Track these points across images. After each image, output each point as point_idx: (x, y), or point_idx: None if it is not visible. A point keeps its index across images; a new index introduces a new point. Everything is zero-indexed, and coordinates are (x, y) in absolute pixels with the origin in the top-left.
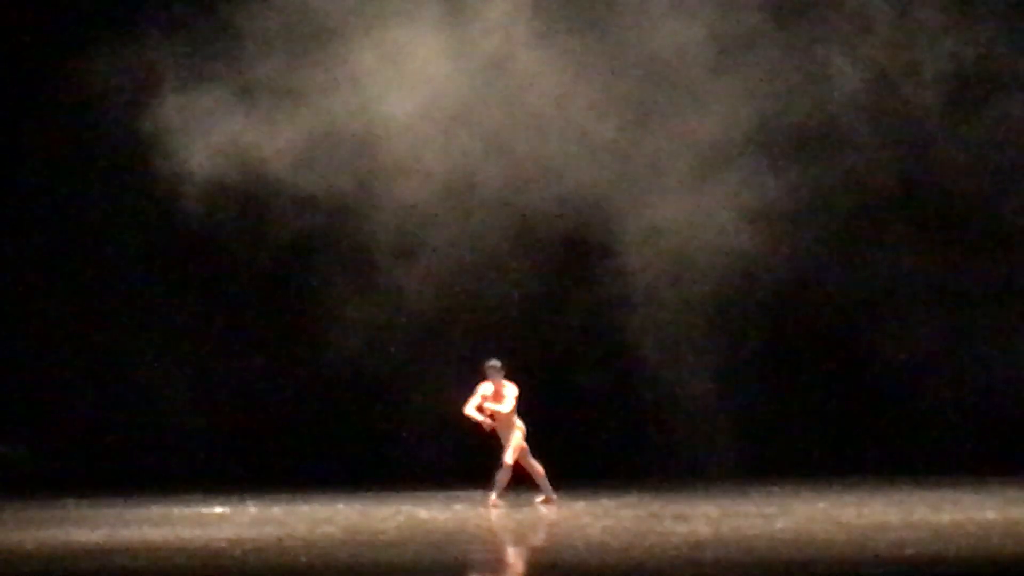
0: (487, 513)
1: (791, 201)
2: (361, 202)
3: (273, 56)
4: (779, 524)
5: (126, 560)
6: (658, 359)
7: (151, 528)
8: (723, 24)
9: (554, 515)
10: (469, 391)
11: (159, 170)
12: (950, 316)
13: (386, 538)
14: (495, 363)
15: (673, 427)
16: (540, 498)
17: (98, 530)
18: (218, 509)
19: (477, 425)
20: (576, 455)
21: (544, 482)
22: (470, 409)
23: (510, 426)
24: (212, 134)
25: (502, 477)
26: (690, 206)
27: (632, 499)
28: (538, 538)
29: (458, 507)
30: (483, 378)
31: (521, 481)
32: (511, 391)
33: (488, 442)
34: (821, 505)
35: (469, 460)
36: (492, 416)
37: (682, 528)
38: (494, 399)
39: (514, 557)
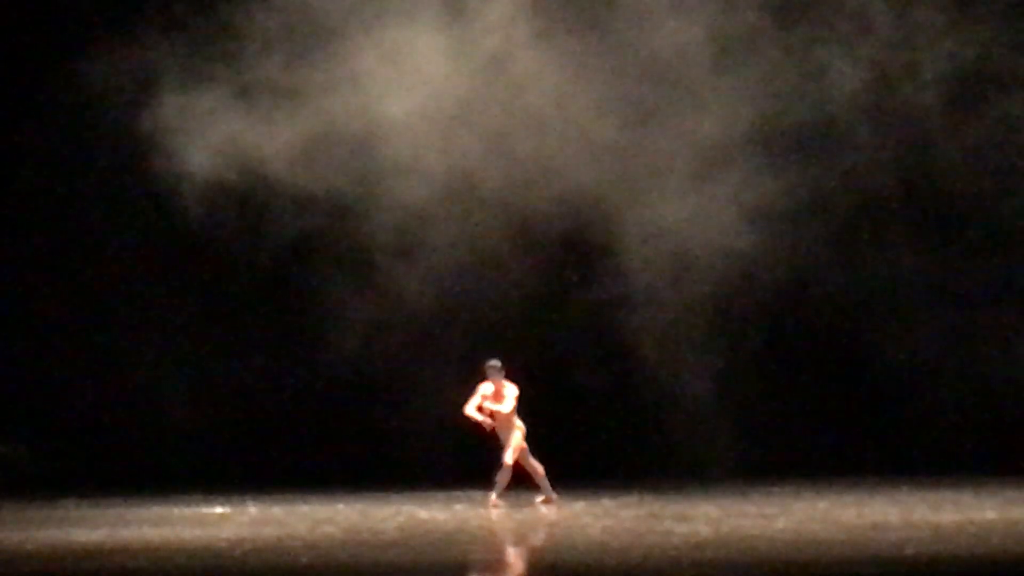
0: (487, 513)
1: (791, 201)
2: (361, 202)
3: (272, 56)
4: (779, 524)
5: (126, 560)
6: (658, 359)
7: (151, 528)
8: (723, 24)
9: (554, 515)
10: (469, 391)
11: (159, 170)
12: (950, 316)
13: (386, 538)
14: (495, 363)
15: (673, 427)
16: (540, 498)
17: (98, 530)
18: (218, 509)
19: (477, 425)
20: (576, 455)
21: (544, 482)
22: (470, 409)
23: (510, 426)
24: (212, 134)
25: (502, 477)
26: (690, 206)
27: (632, 499)
28: (538, 538)
29: (458, 507)
30: (483, 378)
31: (521, 481)
32: (511, 391)
33: (488, 442)
34: (821, 505)
35: (469, 460)
36: (492, 416)
37: (682, 528)
38: (494, 399)
39: (514, 557)
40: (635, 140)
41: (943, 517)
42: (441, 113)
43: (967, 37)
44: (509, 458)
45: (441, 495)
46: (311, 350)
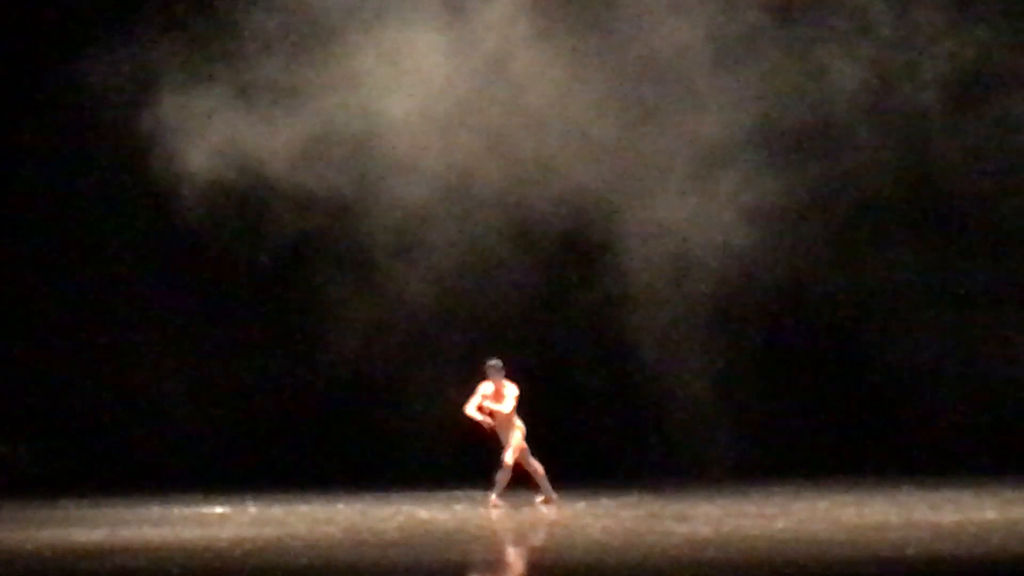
0: (487, 513)
1: (791, 201)
2: (361, 202)
3: (272, 56)
4: (779, 524)
5: (126, 560)
6: (658, 359)
7: (151, 528)
8: (723, 24)
9: (554, 515)
10: (469, 391)
11: (158, 170)
12: (950, 316)
13: (386, 538)
14: (495, 363)
15: (673, 427)
16: (540, 498)
17: (98, 530)
18: (218, 509)
19: (477, 425)
20: (576, 455)
21: (544, 482)
22: (471, 409)
23: (510, 426)
24: (211, 134)
25: (502, 477)
26: (690, 206)
27: (632, 499)
28: (538, 538)
29: (458, 507)
30: (483, 378)
31: (521, 481)
32: (511, 391)
33: (488, 442)
34: (821, 505)
35: (469, 460)
36: (491, 415)
37: (682, 528)
38: (494, 399)
39: (514, 557)
40: (635, 140)
41: (943, 517)
42: (441, 113)
43: (967, 37)
44: (509, 458)
45: (441, 495)
46: (311, 350)
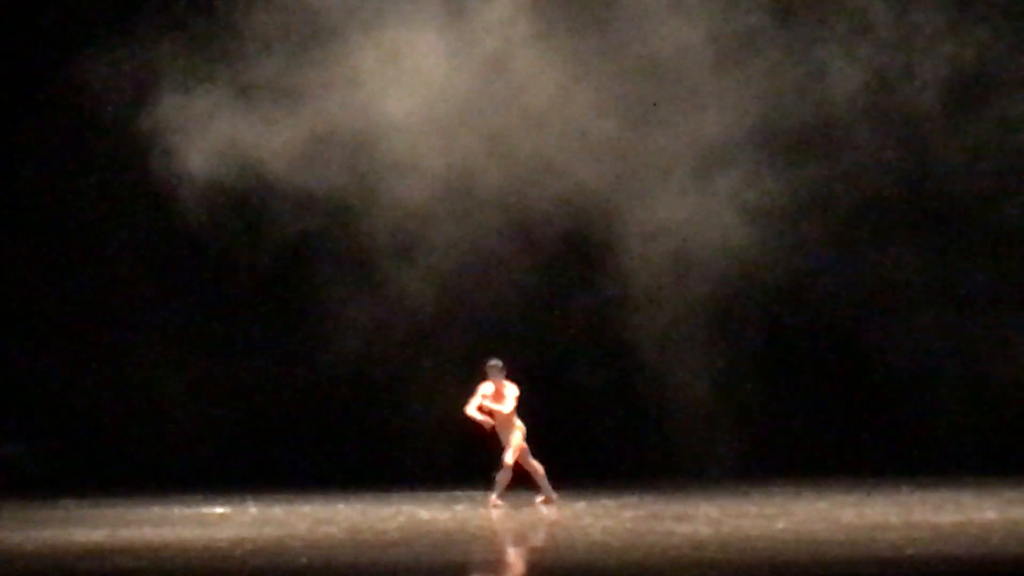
0: (488, 513)
1: (791, 200)
2: (361, 202)
3: (272, 56)
4: (779, 524)
5: (126, 560)
6: (658, 359)
7: (151, 528)
8: (723, 24)
9: (554, 515)
10: (469, 391)
11: (158, 170)
12: (950, 316)
13: (387, 538)
14: (496, 363)
15: (673, 427)
16: (540, 498)
17: (98, 530)
18: (218, 509)
19: (478, 425)
20: (576, 455)
21: (544, 482)
22: (471, 409)
23: (510, 426)
24: (211, 134)
25: (502, 477)
26: (690, 206)
27: (632, 499)
28: (539, 538)
29: (459, 507)
30: (483, 378)
31: (521, 481)
32: (511, 391)
33: (488, 442)
34: (821, 505)
35: (469, 460)
36: (491, 415)
37: (683, 528)
38: (495, 399)
39: (514, 557)
40: (635, 139)
41: (943, 517)
42: (441, 113)
43: (967, 37)
44: (509, 458)
45: (441, 495)
46: (311, 350)
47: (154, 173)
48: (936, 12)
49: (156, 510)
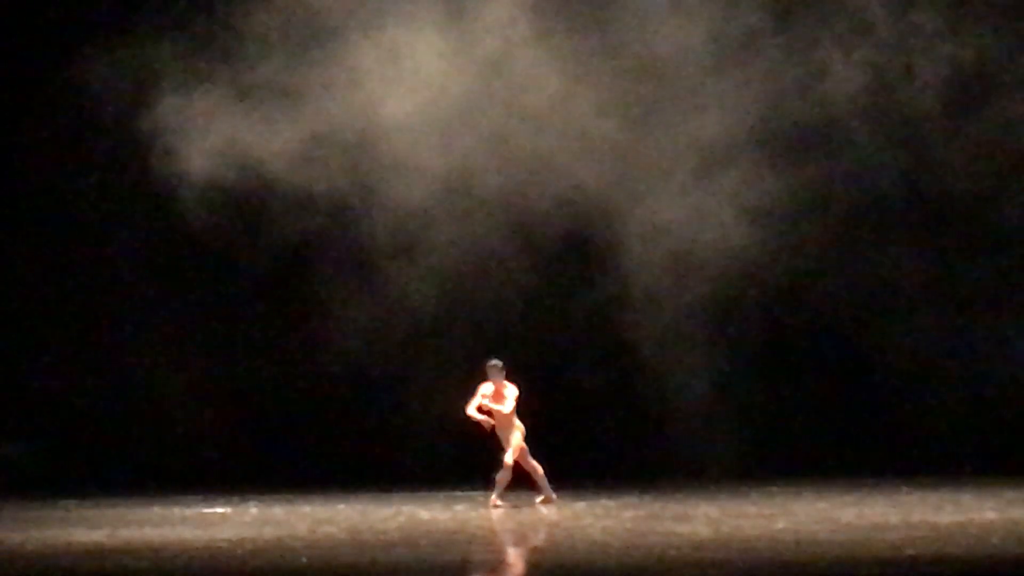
0: (488, 513)
1: (791, 201)
2: (361, 202)
3: (272, 56)
4: (779, 524)
5: (126, 560)
6: (658, 359)
7: (151, 528)
8: (723, 24)
9: (554, 515)
10: (469, 391)
11: (158, 170)
12: (950, 316)
13: (387, 538)
14: (496, 363)
15: (673, 427)
16: (540, 498)
17: (98, 530)
18: (219, 509)
19: (478, 425)
20: (576, 455)
21: (544, 482)
22: (471, 409)
23: (510, 426)
24: (211, 134)
25: (502, 477)
26: (690, 206)
27: (632, 499)
28: (539, 538)
29: (459, 507)
30: (483, 378)
31: (521, 481)
32: (511, 391)
33: (488, 442)
34: (821, 505)
35: (469, 460)
36: (491, 415)
37: (682, 528)
38: (495, 399)
39: (514, 557)
40: (635, 140)
41: (943, 517)
42: (441, 113)
43: (967, 37)
44: (509, 458)
45: (441, 495)
46: (311, 350)
47: (154, 173)
48: (936, 12)
49: (156, 510)
